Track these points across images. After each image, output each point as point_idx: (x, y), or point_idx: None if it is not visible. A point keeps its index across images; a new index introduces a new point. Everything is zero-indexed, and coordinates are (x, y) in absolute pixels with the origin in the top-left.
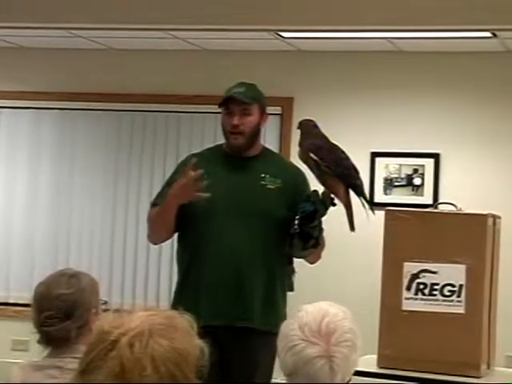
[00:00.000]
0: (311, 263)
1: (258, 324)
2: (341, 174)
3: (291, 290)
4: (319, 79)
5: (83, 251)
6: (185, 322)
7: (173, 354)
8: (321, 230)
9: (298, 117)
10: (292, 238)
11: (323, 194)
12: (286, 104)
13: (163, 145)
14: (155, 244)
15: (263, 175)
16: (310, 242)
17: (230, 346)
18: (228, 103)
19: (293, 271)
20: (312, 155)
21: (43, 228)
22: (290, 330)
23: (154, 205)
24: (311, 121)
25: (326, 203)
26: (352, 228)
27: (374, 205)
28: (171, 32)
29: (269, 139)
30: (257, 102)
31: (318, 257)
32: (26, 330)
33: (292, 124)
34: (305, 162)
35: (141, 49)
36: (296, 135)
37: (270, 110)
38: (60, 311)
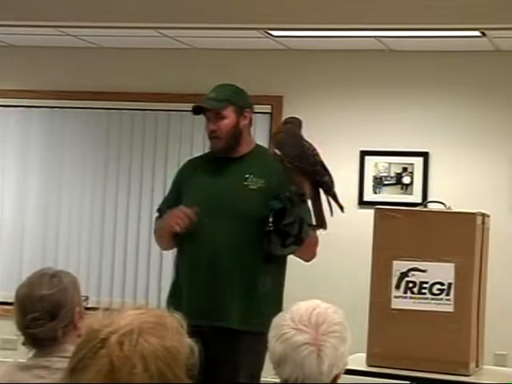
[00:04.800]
0: (305, 261)
1: (236, 324)
2: (305, 171)
3: (271, 290)
4: (309, 78)
5: (72, 250)
6: (175, 320)
7: (163, 352)
8: (301, 226)
9: (287, 115)
10: (269, 235)
11: (291, 191)
12: (276, 102)
13: (152, 143)
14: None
15: (247, 175)
16: (289, 239)
17: (212, 347)
18: (203, 110)
19: (271, 270)
20: (276, 151)
21: (32, 227)
22: (282, 320)
23: (158, 210)
24: (295, 118)
25: (293, 200)
26: (321, 225)
27: (363, 203)
28: (160, 30)
29: (258, 137)
30: (229, 103)
31: (311, 254)
32: (14, 329)
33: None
34: (273, 157)
35: (130, 47)
36: None
37: (259, 108)
38: (45, 312)
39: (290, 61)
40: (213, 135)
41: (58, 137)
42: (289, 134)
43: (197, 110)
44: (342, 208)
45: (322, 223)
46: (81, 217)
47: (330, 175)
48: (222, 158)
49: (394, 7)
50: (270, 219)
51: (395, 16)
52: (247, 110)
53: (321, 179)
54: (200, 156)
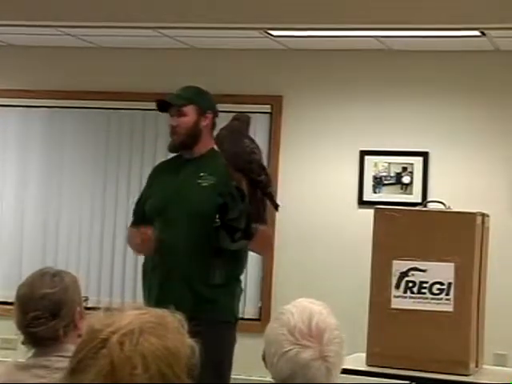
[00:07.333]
0: (262, 255)
1: (182, 311)
2: (239, 168)
3: (222, 282)
4: (308, 78)
5: (72, 250)
6: (175, 320)
7: (163, 352)
8: (249, 221)
9: (287, 115)
10: (217, 231)
11: (231, 186)
12: (276, 102)
13: (153, 143)
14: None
15: (201, 174)
16: (237, 234)
17: None
18: (168, 106)
19: (223, 264)
20: (215, 147)
21: (31, 226)
22: (280, 334)
23: (132, 224)
24: (244, 115)
25: (234, 196)
26: (258, 221)
27: (363, 203)
28: (160, 30)
29: (258, 137)
30: (191, 102)
31: (266, 248)
32: (14, 329)
33: (281, 122)
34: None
35: (129, 47)
36: (286, 133)
37: (259, 108)
38: (46, 311)
39: (290, 61)
40: (173, 130)
41: (57, 137)
42: (230, 130)
43: (161, 107)
44: (276, 207)
45: (259, 219)
46: (81, 217)
47: (266, 174)
48: (182, 160)
49: (394, 7)
50: (217, 215)
51: (395, 16)
52: (209, 111)
53: (255, 177)
54: (168, 159)
